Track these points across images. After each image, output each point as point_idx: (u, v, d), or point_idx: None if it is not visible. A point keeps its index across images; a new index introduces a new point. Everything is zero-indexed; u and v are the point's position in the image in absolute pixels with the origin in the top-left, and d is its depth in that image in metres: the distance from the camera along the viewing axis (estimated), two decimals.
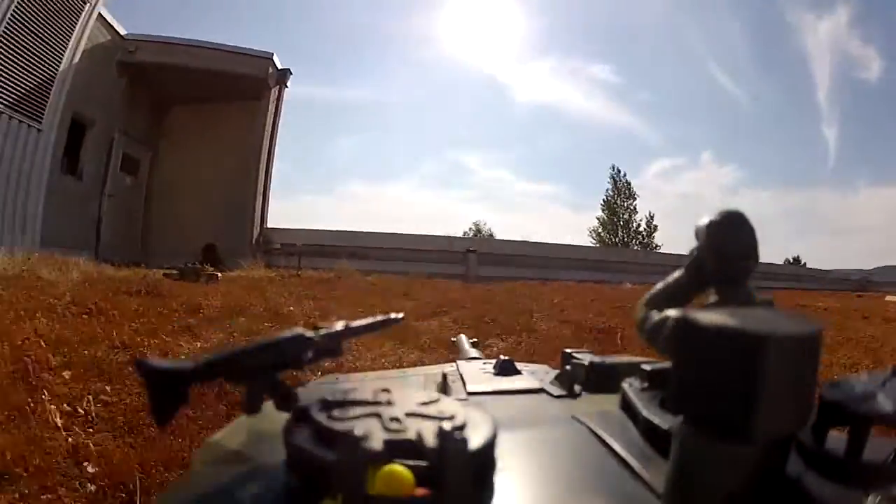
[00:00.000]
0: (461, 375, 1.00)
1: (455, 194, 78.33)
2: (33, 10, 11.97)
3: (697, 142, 78.74)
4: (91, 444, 3.47)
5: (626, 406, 0.68)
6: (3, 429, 3.49)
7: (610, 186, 46.21)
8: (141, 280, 9.08)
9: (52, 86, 12.98)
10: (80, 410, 3.92)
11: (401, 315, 0.73)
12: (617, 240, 44.65)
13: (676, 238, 47.22)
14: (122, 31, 16.19)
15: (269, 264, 15.65)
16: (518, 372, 1.01)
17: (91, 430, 3.74)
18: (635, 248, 41.95)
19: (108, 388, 4.30)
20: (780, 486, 0.48)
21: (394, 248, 17.45)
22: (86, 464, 3.29)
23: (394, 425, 0.50)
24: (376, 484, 0.43)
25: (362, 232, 18.51)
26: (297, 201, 62.30)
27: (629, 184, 46.34)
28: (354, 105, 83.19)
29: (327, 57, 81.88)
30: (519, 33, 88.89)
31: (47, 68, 12.79)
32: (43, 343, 5.16)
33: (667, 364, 0.62)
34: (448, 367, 1.09)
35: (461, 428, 0.50)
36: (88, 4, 13.55)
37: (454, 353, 1.68)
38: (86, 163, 15.75)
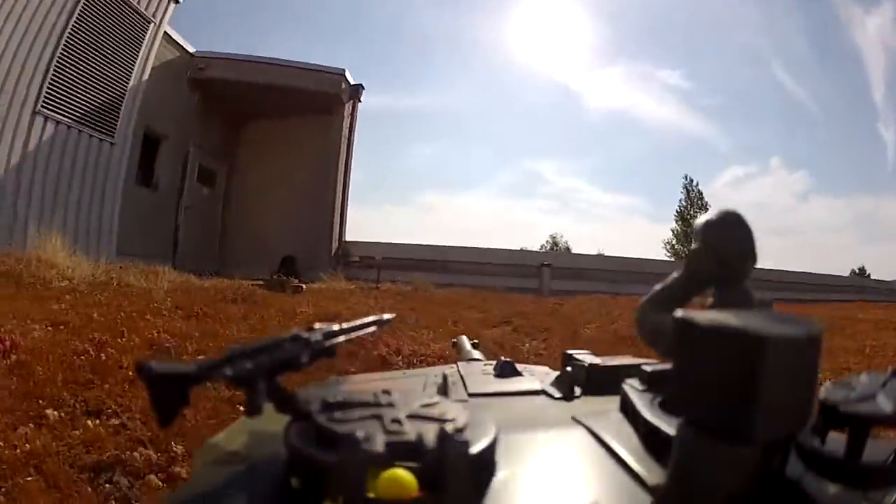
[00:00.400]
0: (462, 377, 1.00)
1: (532, 204, 77.28)
2: (97, 31, 12.42)
3: (766, 147, 76.95)
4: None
5: (627, 407, 0.68)
6: None
7: (683, 197, 45.12)
8: (235, 289, 9.68)
9: (122, 102, 13.40)
10: None
11: (392, 315, 0.73)
12: None
13: None
14: (191, 49, 16.59)
15: (348, 277, 15.72)
16: (518, 373, 1.01)
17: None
18: None
19: None
20: (780, 487, 0.48)
21: (470, 262, 17.52)
22: None
23: (395, 427, 0.51)
24: (378, 487, 0.44)
25: (440, 245, 18.54)
26: (375, 211, 62.38)
27: (701, 194, 45.07)
28: (429, 114, 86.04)
29: (401, 67, 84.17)
30: (588, 40, 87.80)
31: (116, 86, 13.21)
32: (170, 337, 5.70)
33: (667, 365, 0.64)
34: (449, 369, 1.09)
35: (462, 430, 0.51)
36: (153, 24, 13.94)
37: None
38: (161, 175, 16.19)
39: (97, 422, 3.78)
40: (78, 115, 12.33)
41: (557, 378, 0.91)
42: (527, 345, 7.85)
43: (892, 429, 0.52)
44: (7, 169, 10.94)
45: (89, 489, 3.10)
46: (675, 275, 0.63)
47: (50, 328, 5.79)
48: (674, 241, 44.22)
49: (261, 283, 11.54)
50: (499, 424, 0.55)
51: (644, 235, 68.78)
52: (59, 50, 11.58)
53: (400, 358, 6.12)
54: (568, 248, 45.86)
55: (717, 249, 0.57)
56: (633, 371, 0.76)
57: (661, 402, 0.64)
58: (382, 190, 76.95)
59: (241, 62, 17.24)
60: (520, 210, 73.47)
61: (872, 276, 37.25)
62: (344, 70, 17.70)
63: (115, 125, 13.34)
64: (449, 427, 0.50)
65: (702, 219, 0.60)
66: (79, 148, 12.51)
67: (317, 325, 0.60)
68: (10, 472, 3.09)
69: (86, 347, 5.13)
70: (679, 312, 0.47)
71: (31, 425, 3.59)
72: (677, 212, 44.86)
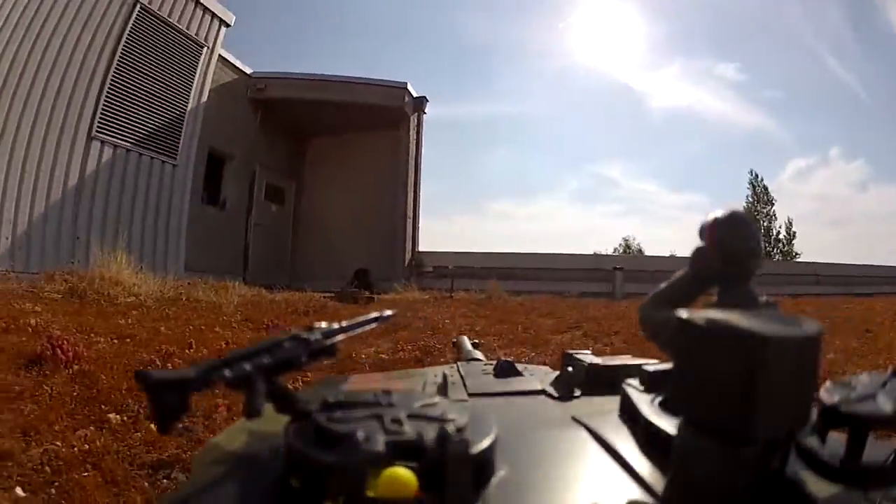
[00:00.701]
0: (462, 377, 1.00)
1: (603, 208, 75.26)
2: (147, 57, 12.73)
3: (825, 137, 71.60)
4: None
5: (627, 407, 0.68)
6: None
7: (749, 193, 43.67)
8: (306, 302, 9.93)
9: (182, 124, 13.73)
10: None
11: (392, 312, 0.74)
12: None
13: (814, 244, 45.38)
14: (248, 70, 16.92)
15: (421, 287, 15.95)
16: (519, 373, 1.01)
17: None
18: (776, 257, 39.13)
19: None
20: (780, 487, 0.47)
21: (543, 269, 17.41)
22: None
23: (395, 427, 0.51)
24: (379, 486, 0.44)
25: (511, 253, 18.46)
26: (447, 220, 61.13)
27: (766, 188, 43.68)
28: (496, 123, 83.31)
29: (465, 78, 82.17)
30: (644, 39, 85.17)
31: (174, 109, 13.54)
32: (238, 348, 5.62)
33: (667, 366, 0.66)
34: (449, 369, 1.09)
35: (462, 430, 0.51)
36: (206, 48, 14.28)
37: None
38: (228, 194, 16.55)
39: None
40: (136, 138, 12.66)
41: (557, 378, 0.91)
42: (590, 347, 7.87)
43: (892, 429, 0.51)
44: (65, 191, 11.25)
45: (146, 484, 3.16)
46: (679, 273, 0.62)
47: (115, 341, 5.90)
48: None
49: (332, 295, 11.83)
50: (499, 424, 0.55)
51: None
52: (110, 78, 11.89)
53: None
54: (640, 251, 44.76)
55: (724, 249, 0.56)
56: (633, 371, 0.76)
57: (661, 402, 0.64)
58: (453, 200, 75.63)
59: (299, 80, 17.43)
60: (591, 214, 72.27)
61: None
62: (406, 83, 17.65)
63: (177, 147, 13.68)
64: (449, 427, 0.49)
65: (708, 219, 0.58)
66: (140, 169, 12.84)
67: (316, 325, 0.61)
68: (65, 468, 3.14)
69: (152, 358, 5.23)
70: (680, 312, 0.47)
71: (92, 428, 3.66)
72: (744, 209, 42.64)
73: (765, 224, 41.80)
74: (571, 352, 0.98)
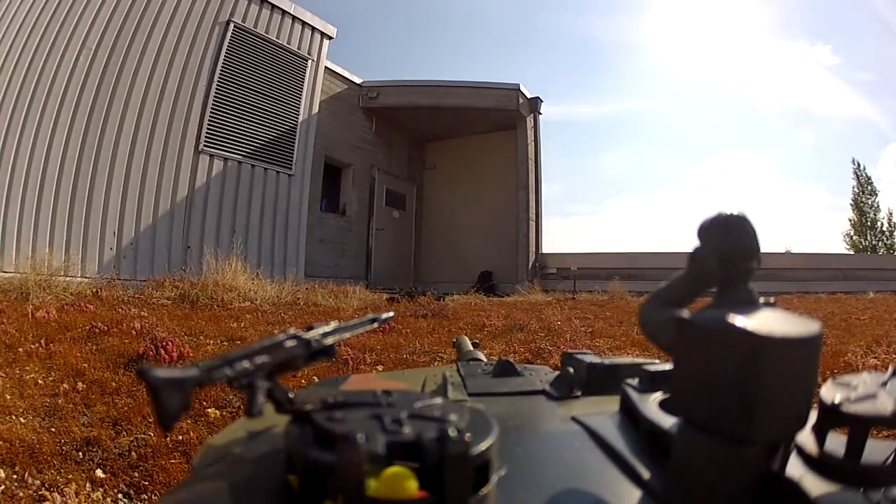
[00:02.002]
0: (462, 377, 0.99)
1: (721, 202, 73.61)
2: (250, 73, 13.16)
3: None
4: None
5: (627, 407, 0.67)
6: None
7: (854, 184, 39.89)
8: (426, 305, 10.11)
9: (294, 136, 14.19)
10: None
11: (391, 314, 0.78)
12: (866, 243, 38.35)
13: None
14: (358, 80, 17.27)
15: (545, 289, 15.99)
16: (518, 373, 0.99)
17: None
18: (881, 251, 36.04)
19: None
20: (780, 487, 0.47)
21: (666, 269, 16.50)
22: None
23: (395, 427, 0.50)
24: (379, 486, 0.43)
25: (633, 253, 17.86)
26: (570, 220, 60.36)
27: (869, 178, 39.79)
28: (613, 121, 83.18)
29: (583, 77, 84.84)
30: (745, 26, 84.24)
31: (285, 121, 14.00)
32: (350, 350, 5.74)
33: (667, 365, 0.68)
34: (449, 369, 1.08)
35: (462, 430, 0.49)
36: (311, 61, 14.66)
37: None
38: (349, 201, 17.05)
39: None
40: (248, 151, 13.18)
41: (557, 378, 0.89)
42: None
43: (892, 429, 0.50)
44: (174, 203, 11.80)
45: None
46: (679, 273, 0.60)
47: (225, 343, 6.10)
48: (851, 233, 39.26)
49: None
50: (499, 424, 0.54)
51: (825, 226, 65.44)
52: (212, 95, 12.41)
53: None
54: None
55: (721, 250, 0.54)
56: (633, 371, 0.77)
57: (661, 402, 0.63)
58: (576, 199, 75.28)
59: (410, 87, 17.62)
60: (712, 208, 71.29)
61: None
62: (518, 85, 17.48)
63: (291, 157, 14.18)
64: (449, 427, 0.48)
65: (706, 219, 0.56)
66: (254, 180, 13.36)
67: (315, 325, 0.62)
68: (153, 455, 3.26)
69: None
70: (680, 312, 0.48)
71: (189, 421, 3.74)
72: (852, 201, 39.61)
73: (870, 216, 38.57)
74: (571, 352, 0.97)
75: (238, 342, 6.03)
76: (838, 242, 39.45)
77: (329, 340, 0.60)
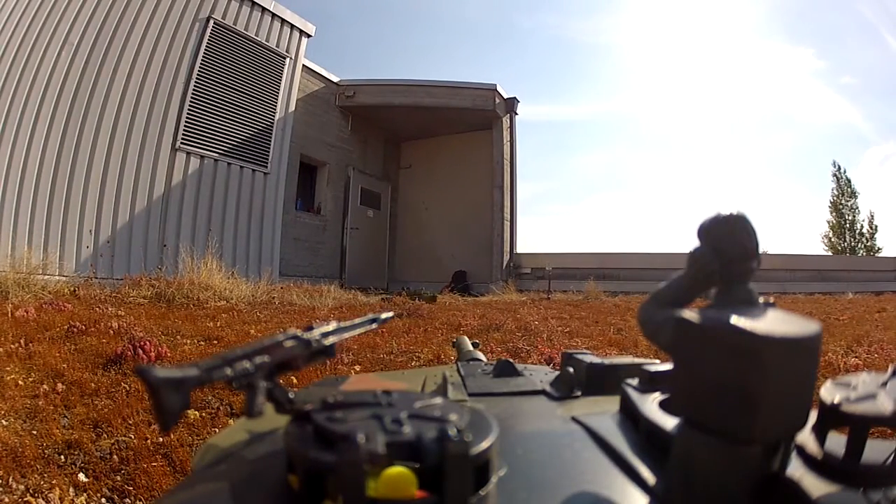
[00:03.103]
0: (462, 377, 1.00)
1: (701, 204, 74.61)
2: (227, 70, 13.20)
3: None
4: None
5: (627, 407, 0.67)
6: None
7: (834, 186, 40.98)
8: (402, 305, 10.11)
9: (270, 134, 14.23)
10: None
11: (390, 314, 0.76)
12: (845, 245, 39.34)
13: None
14: (335, 79, 17.30)
15: (520, 289, 16.09)
16: (518, 373, 1.00)
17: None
18: (860, 252, 37.03)
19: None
20: (780, 487, 0.47)
21: (641, 269, 16.91)
22: None
23: (395, 427, 0.50)
24: (379, 486, 0.43)
25: (609, 253, 18.12)
26: (546, 219, 60.31)
27: (850, 181, 40.90)
28: (588, 122, 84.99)
29: (558, 78, 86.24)
30: (725, 27, 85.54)
31: (261, 119, 14.04)
32: None
33: (667, 365, 0.68)
34: (449, 369, 1.08)
35: (462, 430, 0.49)
36: (289, 59, 14.71)
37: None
38: (323, 200, 17.16)
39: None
40: (225, 148, 13.21)
41: (557, 378, 0.90)
42: None
43: (892, 429, 0.50)
44: (150, 201, 11.86)
45: None
46: (678, 273, 0.61)
47: (202, 342, 6.03)
48: (829, 234, 40.36)
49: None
50: (499, 424, 0.54)
51: (804, 227, 66.22)
52: (190, 92, 12.46)
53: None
54: None
55: (721, 250, 0.55)
56: (633, 371, 0.78)
57: (661, 402, 0.64)
58: (551, 199, 74.57)
59: (387, 86, 17.68)
60: (698, 210, 71.63)
61: None
62: (495, 85, 17.63)
63: (267, 156, 14.23)
64: (449, 427, 0.49)
65: (705, 219, 0.57)
66: (230, 178, 13.41)
67: (315, 324, 0.62)
68: (134, 458, 3.25)
69: None
70: (679, 312, 0.48)
71: None
72: (831, 202, 40.82)
73: (850, 218, 39.52)
74: (571, 352, 0.97)
75: (215, 342, 6.03)
76: (817, 244, 40.24)
77: (329, 340, 0.60)
